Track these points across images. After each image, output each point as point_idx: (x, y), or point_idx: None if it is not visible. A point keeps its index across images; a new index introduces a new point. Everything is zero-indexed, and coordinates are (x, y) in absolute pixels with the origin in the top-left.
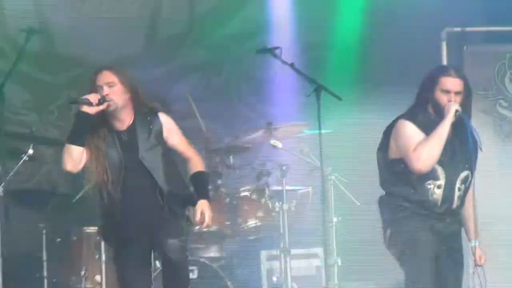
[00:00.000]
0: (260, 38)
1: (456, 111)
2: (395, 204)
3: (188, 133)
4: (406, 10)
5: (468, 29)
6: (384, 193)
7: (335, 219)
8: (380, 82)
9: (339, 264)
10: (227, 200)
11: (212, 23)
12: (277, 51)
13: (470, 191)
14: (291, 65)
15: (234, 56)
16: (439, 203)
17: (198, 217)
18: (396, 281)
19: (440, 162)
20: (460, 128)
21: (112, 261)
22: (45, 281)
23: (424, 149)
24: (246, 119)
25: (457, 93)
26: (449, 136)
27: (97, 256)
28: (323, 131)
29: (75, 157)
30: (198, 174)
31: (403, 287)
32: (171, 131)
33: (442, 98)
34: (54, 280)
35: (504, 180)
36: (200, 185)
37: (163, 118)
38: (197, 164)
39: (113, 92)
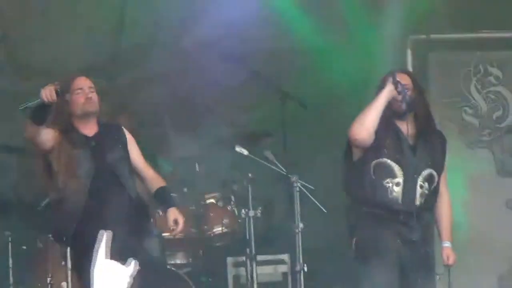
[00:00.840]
0: (226, 43)
1: (394, 79)
2: (359, 211)
3: (155, 141)
4: (371, 18)
5: (433, 36)
6: (348, 200)
7: (301, 225)
8: (345, 89)
9: (305, 270)
10: (193, 207)
11: (178, 30)
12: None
13: (443, 191)
14: (256, 72)
15: (200, 63)
16: (399, 200)
17: (171, 224)
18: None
19: (396, 160)
20: (424, 130)
21: (75, 268)
22: None
23: (359, 116)
24: (212, 127)
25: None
26: (407, 135)
27: (63, 263)
28: (288, 138)
29: (39, 133)
30: (161, 189)
31: None
32: (133, 146)
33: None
34: (20, 287)
35: (470, 187)
36: (166, 197)
37: (127, 132)
38: (158, 181)
39: (93, 96)
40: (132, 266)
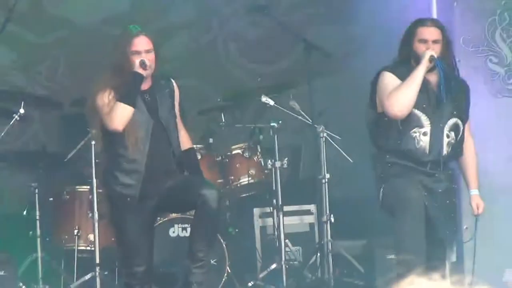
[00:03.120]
0: None
1: (431, 56)
2: (386, 161)
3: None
4: None
5: None
6: (374, 150)
7: (327, 176)
8: (369, 37)
9: (332, 221)
10: (219, 158)
11: None
12: (267, 9)
13: (468, 139)
14: (281, 23)
15: (223, 14)
16: (426, 150)
17: None
18: (389, 238)
19: (423, 109)
20: (451, 77)
21: (111, 219)
22: (38, 240)
23: (397, 93)
24: (235, 79)
25: (434, 41)
26: (434, 86)
27: (89, 215)
28: (313, 88)
29: (127, 117)
30: (189, 151)
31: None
32: (177, 98)
33: (420, 48)
34: (47, 239)
35: (495, 137)
36: (193, 160)
37: (175, 85)
38: (188, 140)
39: (151, 58)
40: None
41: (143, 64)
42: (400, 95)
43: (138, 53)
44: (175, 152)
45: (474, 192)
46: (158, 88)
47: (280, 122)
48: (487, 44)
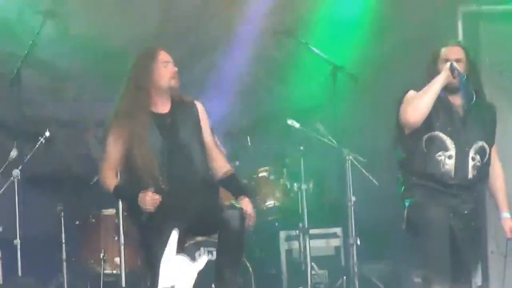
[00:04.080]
0: (276, 18)
1: (451, 65)
2: (411, 183)
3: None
4: None
5: (484, 7)
6: (402, 172)
7: (353, 199)
8: (396, 61)
9: (358, 244)
10: (245, 181)
11: (227, 3)
12: (293, 32)
13: (495, 162)
14: (308, 45)
15: (249, 36)
16: (452, 173)
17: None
18: (415, 261)
19: (448, 133)
20: (476, 100)
21: (139, 243)
22: (64, 263)
23: (412, 101)
24: (262, 101)
25: (457, 60)
26: (458, 108)
27: (115, 238)
28: (339, 111)
29: None
30: (232, 174)
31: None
32: (204, 121)
33: (443, 67)
34: (73, 262)
35: None
36: (238, 184)
37: (199, 106)
38: (225, 165)
39: (174, 70)
40: (201, 261)
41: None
42: (415, 101)
43: (167, 63)
44: (200, 174)
45: (506, 215)
46: (179, 111)
47: (306, 145)
48: None
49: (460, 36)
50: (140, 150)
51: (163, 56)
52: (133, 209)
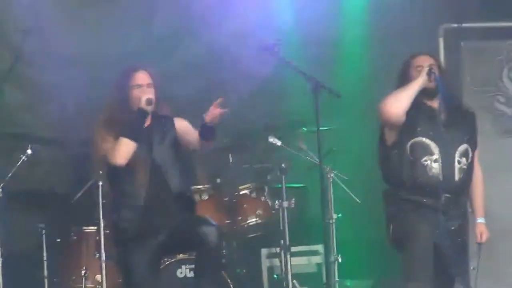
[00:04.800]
0: (259, 35)
1: (429, 69)
2: (398, 197)
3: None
4: (403, 8)
5: (465, 25)
6: (386, 186)
7: (335, 216)
8: (378, 78)
9: (340, 261)
10: (227, 198)
11: (210, 20)
12: (276, 49)
13: (476, 167)
14: (290, 63)
15: (233, 54)
16: (440, 177)
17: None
18: (396, 278)
19: (431, 137)
20: (455, 105)
21: (118, 261)
22: (46, 281)
23: (390, 97)
24: (244, 118)
25: (430, 65)
26: (438, 113)
27: (97, 256)
28: (321, 128)
29: (129, 152)
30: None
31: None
32: (182, 125)
33: (417, 75)
34: (55, 280)
35: (502, 177)
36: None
37: (177, 121)
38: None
39: (152, 93)
40: None
41: (148, 101)
42: (394, 94)
43: (139, 86)
44: (175, 191)
45: (480, 220)
46: (156, 127)
47: (287, 162)
48: (494, 84)
49: (442, 53)
50: (132, 165)
51: (138, 78)
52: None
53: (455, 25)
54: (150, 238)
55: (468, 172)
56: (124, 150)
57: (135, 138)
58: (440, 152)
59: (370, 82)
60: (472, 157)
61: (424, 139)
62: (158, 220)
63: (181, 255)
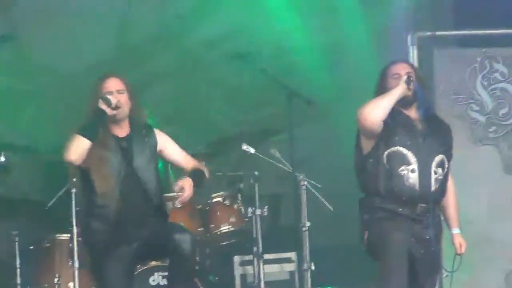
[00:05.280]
0: (232, 43)
1: (407, 78)
2: (373, 205)
3: None
4: (376, 14)
5: (439, 33)
6: (362, 194)
7: (308, 224)
8: (352, 86)
9: (313, 268)
10: (200, 206)
11: (183, 28)
12: (249, 57)
13: (450, 179)
14: (263, 70)
15: (205, 62)
16: (416, 187)
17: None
18: (369, 286)
19: (408, 147)
20: (431, 115)
21: (91, 270)
22: None
23: (368, 104)
24: (218, 126)
25: (408, 73)
26: (416, 123)
27: (70, 263)
28: (295, 136)
29: (82, 149)
30: (197, 168)
31: None
32: (167, 144)
33: (395, 83)
34: (28, 287)
35: (476, 186)
36: (197, 173)
37: (158, 133)
38: (193, 161)
39: (122, 98)
40: None
41: (106, 100)
42: (373, 101)
43: (109, 93)
44: (153, 201)
45: (456, 230)
46: (137, 137)
47: (261, 170)
48: (468, 92)
49: (416, 62)
50: (101, 172)
51: (109, 85)
52: (84, 227)
53: (429, 33)
54: (123, 246)
55: (443, 182)
56: (76, 147)
57: (88, 136)
58: (418, 162)
59: (345, 90)
60: (448, 168)
61: (401, 148)
62: (133, 230)
63: (153, 262)
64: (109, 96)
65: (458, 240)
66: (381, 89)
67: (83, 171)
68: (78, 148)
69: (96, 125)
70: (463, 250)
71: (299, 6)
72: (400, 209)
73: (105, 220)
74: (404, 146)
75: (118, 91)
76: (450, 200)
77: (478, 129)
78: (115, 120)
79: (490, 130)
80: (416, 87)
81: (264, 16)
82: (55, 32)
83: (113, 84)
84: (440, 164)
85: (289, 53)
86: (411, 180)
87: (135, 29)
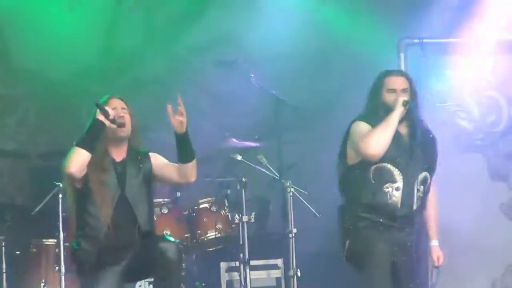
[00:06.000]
0: (219, 49)
1: (404, 101)
2: (354, 214)
3: (148, 145)
4: (365, 22)
5: (426, 40)
6: (343, 202)
7: (294, 230)
8: (340, 93)
9: (299, 275)
10: (187, 212)
11: (171, 34)
12: (237, 63)
13: (431, 191)
14: (250, 77)
15: (193, 68)
16: (398, 205)
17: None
18: None
19: (396, 164)
20: (417, 131)
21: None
22: None
23: (372, 134)
24: (205, 132)
25: (403, 90)
26: (406, 139)
27: (56, 268)
28: (282, 143)
29: (82, 162)
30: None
31: None
32: (161, 164)
33: (390, 97)
34: None
35: (462, 193)
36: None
37: (153, 157)
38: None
39: (127, 117)
40: None
41: (103, 111)
42: (375, 136)
43: (114, 109)
44: (141, 227)
45: (435, 243)
46: (131, 162)
47: (248, 177)
48: (455, 99)
49: (403, 69)
50: (100, 195)
51: (113, 101)
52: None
53: (416, 40)
54: (112, 267)
55: (424, 199)
56: (75, 159)
57: (87, 148)
58: (403, 180)
59: (332, 97)
60: (430, 183)
61: (389, 165)
62: (122, 251)
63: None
64: (108, 108)
65: (436, 252)
66: (374, 99)
67: (80, 191)
68: (78, 160)
69: (94, 137)
70: (440, 262)
71: (287, 13)
72: (381, 220)
73: (96, 242)
74: (392, 163)
75: (123, 108)
76: (431, 212)
77: (465, 136)
78: (119, 139)
79: (477, 137)
80: (412, 106)
81: (252, 22)
82: (42, 36)
83: (117, 102)
84: (424, 182)
85: (277, 60)
86: (394, 198)
87: (123, 35)
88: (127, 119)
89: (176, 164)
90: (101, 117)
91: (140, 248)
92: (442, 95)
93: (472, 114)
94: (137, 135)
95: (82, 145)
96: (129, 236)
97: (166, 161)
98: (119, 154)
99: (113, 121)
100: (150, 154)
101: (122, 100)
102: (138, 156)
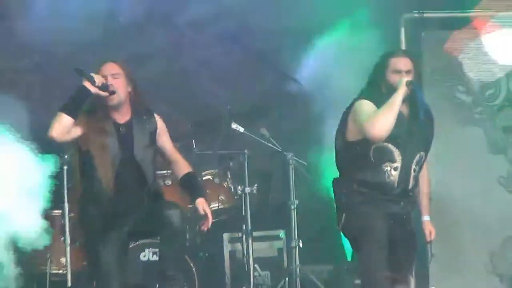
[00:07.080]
0: (221, 24)
1: (407, 81)
2: (351, 188)
3: None
4: None
5: (426, 14)
6: (339, 175)
7: (296, 202)
8: (341, 66)
9: (300, 246)
10: None
11: (172, 9)
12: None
13: (424, 168)
14: (253, 51)
15: (195, 42)
16: (395, 184)
17: (201, 211)
18: (356, 264)
19: (397, 144)
20: (417, 111)
21: (86, 250)
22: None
23: (378, 116)
24: (206, 105)
25: (407, 71)
26: (406, 119)
27: (62, 239)
28: (284, 116)
29: (63, 126)
30: (188, 176)
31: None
32: (163, 132)
33: (394, 78)
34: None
35: (461, 167)
36: (194, 185)
37: (158, 119)
38: (185, 166)
39: (117, 83)
40: None
41: (88, 78)
42: (381, 117)
43: (104, 77)
44: (149, 185)
45: (426, 218)
46: (137, 123)
47: (250, 149)
48: (454, 73)
49: (403, 43)
50: (101, 159)
51: (104, 68)
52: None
53: (417, 14)
54: (118, 229)
55: (418, 177)
56: (58, 124)
57: (70, 113)
58: (402, 160)
59: (332, 71)
60: (423, 162)
61: (390, 145)
62: (127, 213)
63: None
64: (95, 75)
65: (428, 227)
66: (378, 80)
67: (83, 155)
68: (60, 125)
69: (78, 103)
70: (432, 237)
71: None
72: (377, 194)
73: (101, 206)
74: (393, 144)
75: (113, 75)
76: (423, 188)
77: (464, 110)
78: (112, 105)
79: (476, 110)
80: (416, 87)
81: None
82: (44, 11)
83: (108, 68)
84: (419, 162)
85: (278, 35)
86: (392, 178)
87: (124, 9)
88: (120, 84)
89: (175, 158)
90: (86, 84)
91: (146, 211)
92: (441, 69)
93: (471, 87)
94: (139, 98)
95: (65, 110)
96: (136, 196)
97: (169, 145)
98: (122, 115)
99: (102, 88)
100: (157, 118)
101: (116, 63)
102: (143, 116)
